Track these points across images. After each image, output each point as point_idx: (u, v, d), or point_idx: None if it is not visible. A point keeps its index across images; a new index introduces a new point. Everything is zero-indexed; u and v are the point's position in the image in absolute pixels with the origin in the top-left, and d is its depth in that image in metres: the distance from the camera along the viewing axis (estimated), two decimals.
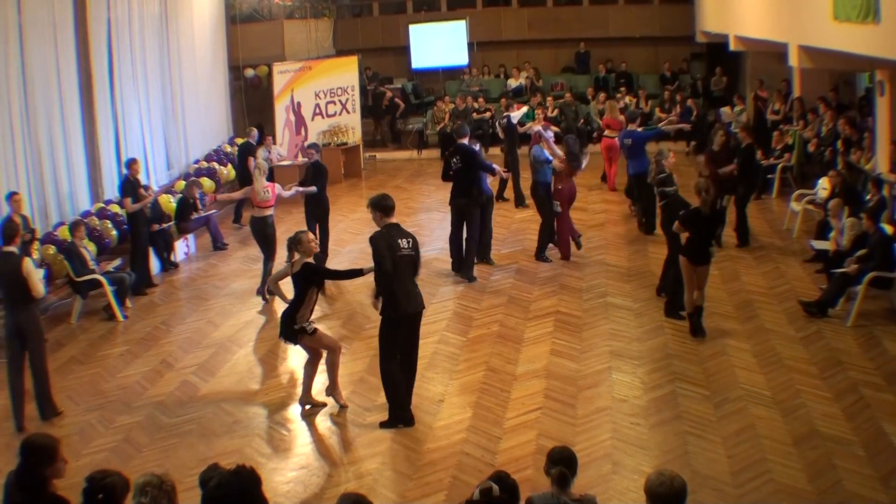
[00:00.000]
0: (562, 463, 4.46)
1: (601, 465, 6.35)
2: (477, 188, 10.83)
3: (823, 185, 11.73)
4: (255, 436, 7.19)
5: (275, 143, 16.27)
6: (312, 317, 7.41)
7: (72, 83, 12.03)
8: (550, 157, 11.24)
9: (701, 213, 8.58)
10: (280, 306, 8.00)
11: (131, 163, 11.35)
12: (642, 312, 9.47)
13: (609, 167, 15.40)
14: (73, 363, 8.98)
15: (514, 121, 14.34)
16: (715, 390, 7.53)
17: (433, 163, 18.92)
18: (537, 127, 12.52)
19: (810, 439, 6.60)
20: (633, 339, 8.75)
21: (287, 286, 7.60)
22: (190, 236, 13.00)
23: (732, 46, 16.38)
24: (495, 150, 16.67)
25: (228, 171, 15.85)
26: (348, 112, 18.18)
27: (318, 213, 11.23)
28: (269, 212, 10.54)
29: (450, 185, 11.04)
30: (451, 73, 22.08)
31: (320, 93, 17.74)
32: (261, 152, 14.41)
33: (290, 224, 10.93)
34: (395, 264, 6.88)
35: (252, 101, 19.12)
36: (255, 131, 15.18)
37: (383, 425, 7.15)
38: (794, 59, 12.32)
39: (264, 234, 10.49)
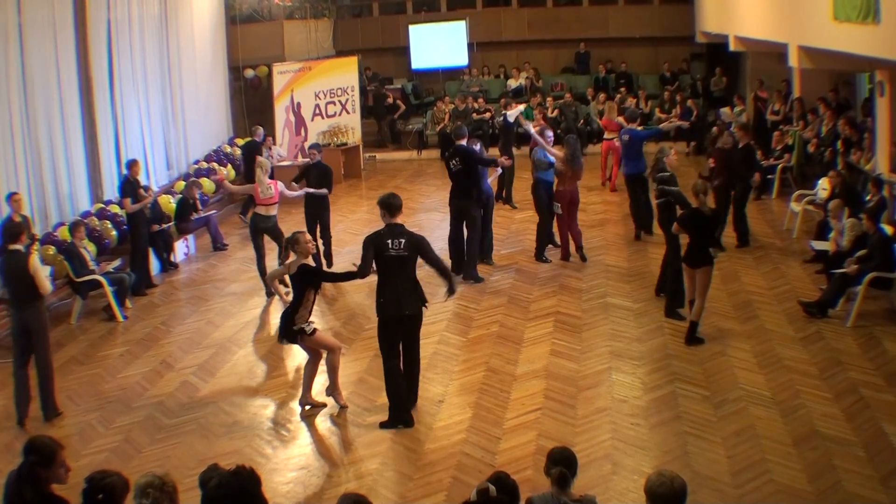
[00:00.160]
0: (562, 463, 4.46)
1: (601, 466, 6.35)
2: (476, 189, 10.83)
3: (823, 186, 11.73)
4: (255, 436, 7.19)
5: (274, 144, 16.28)
6: (312, 317, 7.41)
7: (72, 83, 12.03)
8: (553, 159, 11.22)
9: (699, 214, 8.54)
10: (278, 306, 8.00)
11: (132, 164, 11.35)
12: (642, 313, 9.47)
13: (608, 168, 15.41)
14: (72, 363, 8.98)
15: (510, 119, 14.34)
16: (715, 391, 7.53)
17: (433, 163, 18.95)
18: (528, 125, 12.61)
19: (810, 440, 6.60)
20: (632, 340, 8.75)
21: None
22: (190, 237, 13.01)
23: (732, 47, 16.38)
24: (494, 151, 16.66)
25: (228, 172, 15.85)
26: (348, 112, 18.18)
27: (318, 213, 11.24)
28: (273, 210, 10.64)
29: (450, 185, 11.03)
30: (451, 73, 22.09)
31: (320, 93, 17.75)
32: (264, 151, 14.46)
33: (290, 224, 10.92)
34: (385, 265, 6.94)
35: (252, 102, 19.12)
36: (260, 130, 15.23)
37: (383, 426, 7.15)
38: (793, 60, 12.32)
39: (263, 230, 10.58)
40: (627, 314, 9.45)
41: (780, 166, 14.25)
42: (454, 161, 10.78)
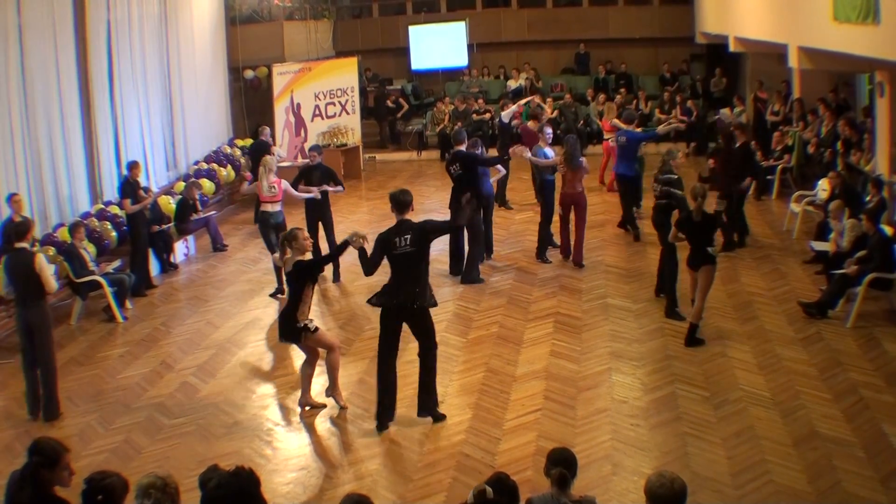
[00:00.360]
0: (562, 464, 4.46)
1: (601, 467, 6.35)
2: (476, 191, 10.81)
3: (823, 187, 11.73)
4: (254, 437, 7.19)
5: (274, 145, 16.26)
6: (311, 316, 7.40)
7: (71, 84, 12.02)
8: (551, 158, 11.23)
9: (692, 217, 8.52)
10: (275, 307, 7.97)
11: (133, 166, 11.35)
12: (642, 313, 9.47)
13: (608, 169, 15.40)
14: (72, 364, 8.98)
15: (506, 119, 14.34)
16: (715, 391, 7.53)
17: (433, 164, 18.95)
18: (513, 107, 13.09)
19: (810, 440, 6.60)
20: (632, 341, 8.75)
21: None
22: (189, 238, 13.01)
23: (732, 47, 16.39)
24: (494, 151, 16.65)
25: (228, 173, 15.85)
26: (348, 113, 18.18)
27: (321, 213, 11.24)
28: (278, 207, 10.70)
29: (450, 185, 11.03)
30: (451, 74, 22.10)
31: (320, 94, 17.74)
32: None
33: (291, 224, 10.90)
34: (393, 264, 6.96)
35: (252, 103, 19.11)
36: (267, 130, 15.24)
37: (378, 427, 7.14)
38: (793, 61, 12.32)
39: (269, 226, 10.63)
40: (627, 315, 9.45)
41: (779, 167, 14.25)
42: (454, 167, 10.80)
